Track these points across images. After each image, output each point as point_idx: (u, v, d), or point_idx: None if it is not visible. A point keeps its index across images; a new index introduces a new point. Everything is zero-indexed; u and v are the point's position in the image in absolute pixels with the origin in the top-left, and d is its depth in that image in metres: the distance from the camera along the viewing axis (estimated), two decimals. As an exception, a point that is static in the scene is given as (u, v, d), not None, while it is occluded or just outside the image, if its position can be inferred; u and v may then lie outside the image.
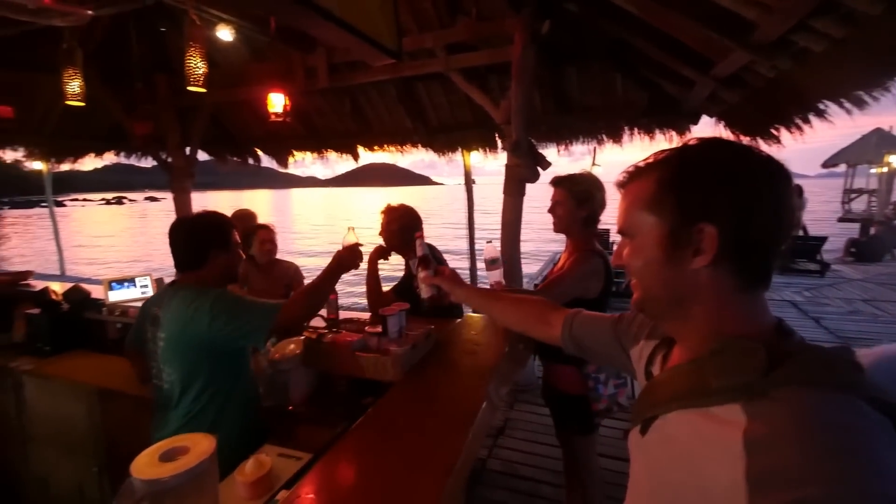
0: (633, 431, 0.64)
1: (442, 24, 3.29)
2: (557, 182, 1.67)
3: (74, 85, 2.48)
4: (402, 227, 2.09)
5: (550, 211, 1.69)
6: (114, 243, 21.18)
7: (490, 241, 1.76)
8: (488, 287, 1.59)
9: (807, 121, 2.50)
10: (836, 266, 8.27)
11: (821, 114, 2.34)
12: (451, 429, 1.23)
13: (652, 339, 0.73)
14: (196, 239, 1.39)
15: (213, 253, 1.39)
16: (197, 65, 2.13)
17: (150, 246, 19.34)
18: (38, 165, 5.32)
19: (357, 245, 1.51)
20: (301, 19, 0.87)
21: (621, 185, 0.63)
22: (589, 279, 1.60)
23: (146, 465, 0.79)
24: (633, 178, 0.61)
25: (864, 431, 0.43)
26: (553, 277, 1.63)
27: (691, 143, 0.58)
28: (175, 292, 1.37)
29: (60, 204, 63.97)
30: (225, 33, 2.97)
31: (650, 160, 0.60)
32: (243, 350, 1.46)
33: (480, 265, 2.54)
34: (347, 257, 1.48)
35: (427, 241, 1.54)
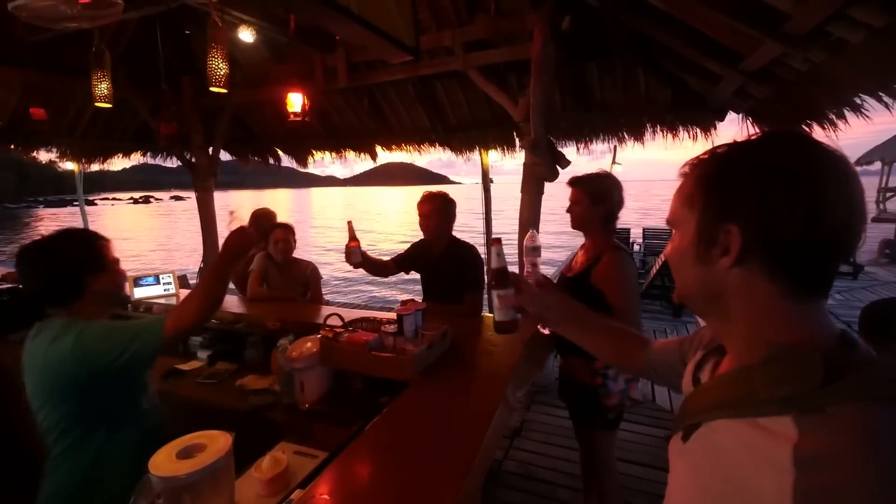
0: (675, 438, 0.62)
1: (460, 22, 3.27)
2: (574, 182, 1.73)
3: (103, 87, 2.55)
4: (452, 212, 2.26)
5: (569, 210, 1.74)
6: (140, 241, 21.85)
7: (534, 229, 1.79)
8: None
9: (841, 116, 2.38)
10: (869, 268, 7.93)
11: (857, 108, 2.22)
12: (468, 430, 1.21)
13: (705, 349, 0.71)
14: (63, 268, 1.18)
15: (89, 279, 1.20)
16: (219, 66, 2.16)
17: (173, 244, 19.91)
18: (70, 166, 5.54)
19: (242, 227, 1.35)
20: (319, 17, 0.86)
21: (681, 177, 0.62)
22: (636, 276, 1.67)
23: (164, 462, 0.80)
24: (688, 171, 0.60)
25: None
26: (616, 300, 1.56)
27: (744, 139, 0.55)
28: (38, 331, 1.17)
29: (91, 203, 66.30)
30: (246, 35, 3.02)
31: (697, 158, 0.59)
32: (127, 383, 1.24)
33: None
34: (234, 241, 1.31)
35: None
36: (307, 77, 3.82)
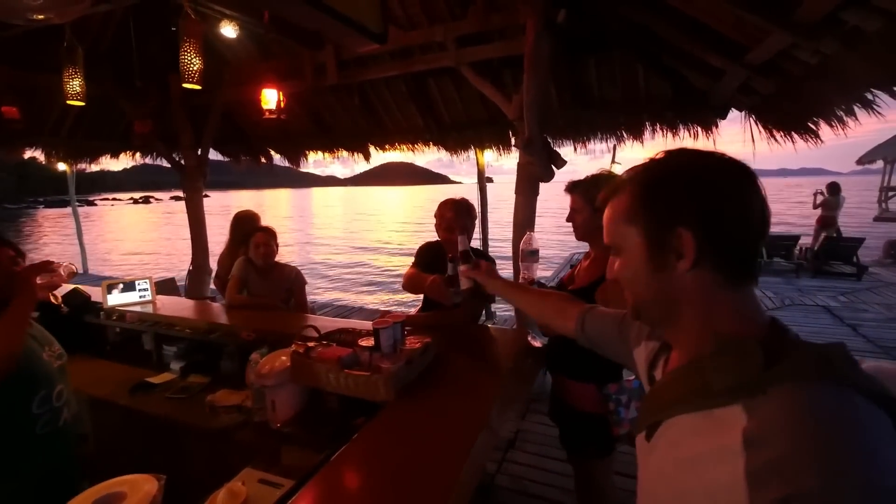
0: (639, 437, 0.64)
1: (452, 16, 3.15)
2: (572, 188, 1.54)
3: (75, 84, 2.44)
4: (473, 224, 2.09)
5: (569, 219, 1.56)
6: (139, 242, 21.75)
7: (531, 231, 1.63)
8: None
9: (851, 112, 2.26)
10: (874, 269, 7.78)
11: (868, 104, 2.10)
12: (444, 459, 1.10)
13: (652, 340, 0.74)
14: None
15: None
16: (192, 60, 2.05)
17: (171, 244, 19.81)
18: (62, 167, 5.42)
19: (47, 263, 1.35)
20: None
21: (603, 203, 0.66)
22: None
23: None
24: (612, 194, 0.64)
25: (860, 424, 0.43)
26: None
27: (657, 156, 0.61)
28: None
29: (91, 203, 66.19)
30: (229, 30, 2.89)
31: (624, 175, 0.63)
32: None
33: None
34: (26, 276, 1.28)
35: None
36: (296, 75, 3.70)
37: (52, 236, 24.98)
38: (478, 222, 4.74)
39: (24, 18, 2.04)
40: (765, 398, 0.46)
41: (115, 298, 2.38)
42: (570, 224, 1.59)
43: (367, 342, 1.47)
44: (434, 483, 1.02)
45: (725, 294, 0.56)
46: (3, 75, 3.29)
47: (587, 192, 1.49)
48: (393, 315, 1.52)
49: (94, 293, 2.48)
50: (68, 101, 2.45)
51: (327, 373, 1.38)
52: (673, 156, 0.60)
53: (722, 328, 0.55)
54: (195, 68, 2.04)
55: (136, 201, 74.13)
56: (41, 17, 2.04)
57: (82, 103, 2.47)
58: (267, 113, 3.16)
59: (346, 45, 1.07)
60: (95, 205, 64.06)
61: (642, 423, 0.63)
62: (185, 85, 2.06)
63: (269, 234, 2.52)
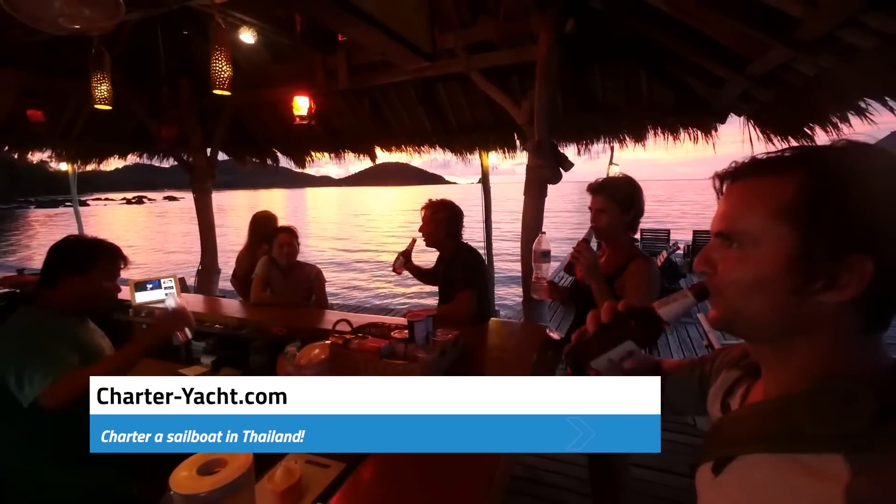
0: (704, 469, 0.57)
1: (462, 24, 3.26)
2: (597, 189, 1.60)
3: (102, 89, 2.51)
4: (449, 218, 2.21)
5: (593, 220, 1.61)
6: (139, 242, 21.64)
7: (544, 232, 1.73)
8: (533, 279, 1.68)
9: (845, 119, 2.39)
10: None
11: (861, 112, 2.23)
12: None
13: (734, 370, 0.65)
14: (52, 258, 1.36)
15: (63, 275, 1.34)
16: (222, 68, 2.14)
17: (170, 245, 19.74)
18: (63, 167, 5.45)
19: (185, 310, 1.42)
20: (343, 24, 0.84)
21: (735, 176, 0.50)
22: (659, 284, 1.56)
23: (185, 479, 0.79)
24: (758, 171, 0.48)
25: None
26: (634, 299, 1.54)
27: (840, 144, 0.47)
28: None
29: (84, 203, 65.73)
30: (247, 36, 2.99)
31: (787, 154, 0.47)
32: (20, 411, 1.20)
33: (503, 265, 2.47)
34: (169, 325, 1.38)
35: None
36: (307, 79, 3.79)
37: (45, 237, 24.72)
38: (482, 223, 4.87)
39: (56, 27, 2.12)
40: (877, 455, 0.41)
41: (144, 296, 2.47)
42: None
43: (400, 334, 1.57)
44: (479, 462, 1.12)
45: (858, 337, 0.47)
46: (28, 79, 3.36)
47: (614, 194, 1.57)
48: (424, 309, 1.62)
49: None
50: (96, 106, 2.52)
51: (365, 363, 1.48)
52: (863, 151, 0.46)
53: (833, 368, 0.47)
54: (226, 75, 2.13)
55: (128, 201, 73.61)
56: (76, 27, 2.13)
57: (109, 107, 2.55)
58: (298, 119, 3.26)
59: (398, 63, 1.17)
60: (88, 205, 63.56)
61: (709, 454, 0.56)
62: (215, 91, 2.14)
63: (292, 233, 2.62)
